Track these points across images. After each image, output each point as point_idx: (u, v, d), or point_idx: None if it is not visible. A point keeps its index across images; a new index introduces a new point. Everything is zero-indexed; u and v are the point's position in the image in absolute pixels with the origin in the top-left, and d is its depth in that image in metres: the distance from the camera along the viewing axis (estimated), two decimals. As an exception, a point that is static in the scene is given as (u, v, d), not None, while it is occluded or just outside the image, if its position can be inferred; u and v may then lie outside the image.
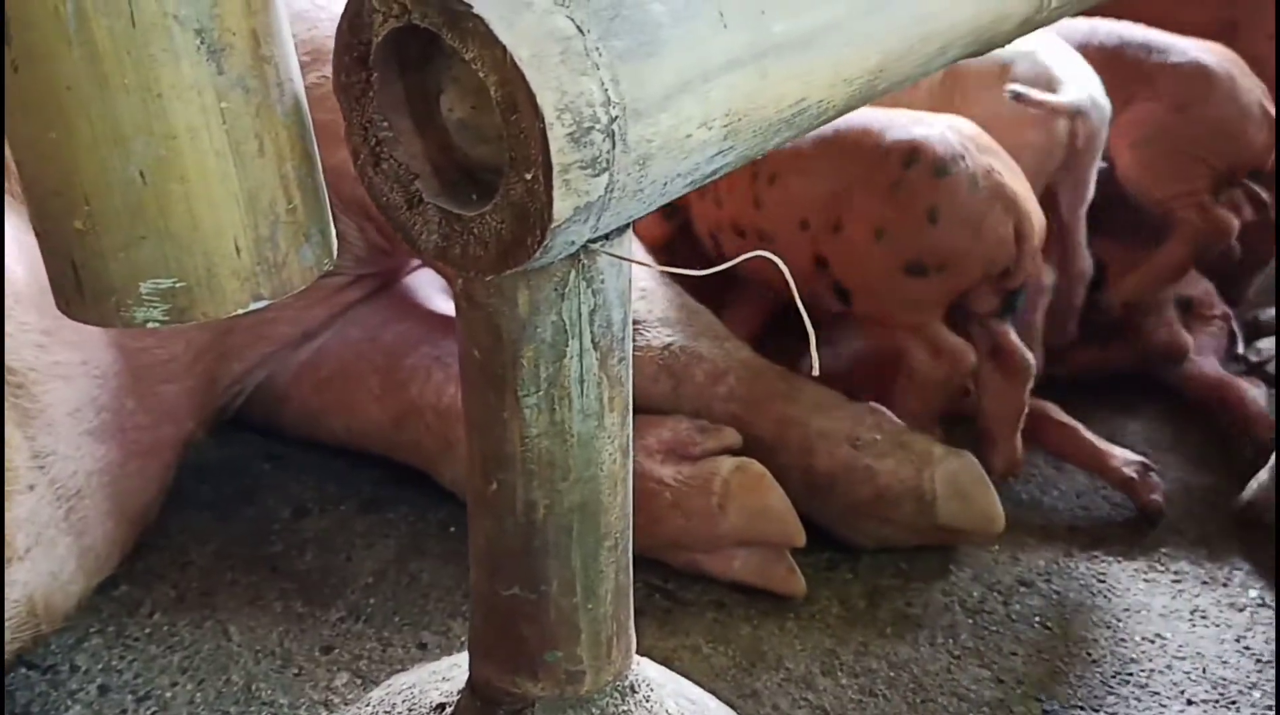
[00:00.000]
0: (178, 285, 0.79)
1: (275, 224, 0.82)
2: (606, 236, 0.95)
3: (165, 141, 0.76)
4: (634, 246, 1.03)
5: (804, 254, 1.71)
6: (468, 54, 0.79)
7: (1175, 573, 1.70)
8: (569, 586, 1.07)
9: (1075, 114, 1.82)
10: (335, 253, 0.90)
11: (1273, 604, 1.64)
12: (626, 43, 0.82)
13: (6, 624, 1.37)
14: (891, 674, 1.52)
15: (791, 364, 1.76)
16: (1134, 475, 1.78)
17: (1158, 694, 1.49)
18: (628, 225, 0.99)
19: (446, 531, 1.77)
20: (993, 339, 1.73)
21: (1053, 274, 1.97)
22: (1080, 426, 1.84)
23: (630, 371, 1.05)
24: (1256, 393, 2.00)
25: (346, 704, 1.46)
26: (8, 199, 1.44)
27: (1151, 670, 1.52)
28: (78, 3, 0.72)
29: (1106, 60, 2.14)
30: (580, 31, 0.80)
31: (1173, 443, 1.99)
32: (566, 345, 0.98)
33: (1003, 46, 1.35)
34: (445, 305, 1.94)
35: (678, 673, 1.39)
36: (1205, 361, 2.07)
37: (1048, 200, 1.87)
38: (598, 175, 0.82)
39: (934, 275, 1.65)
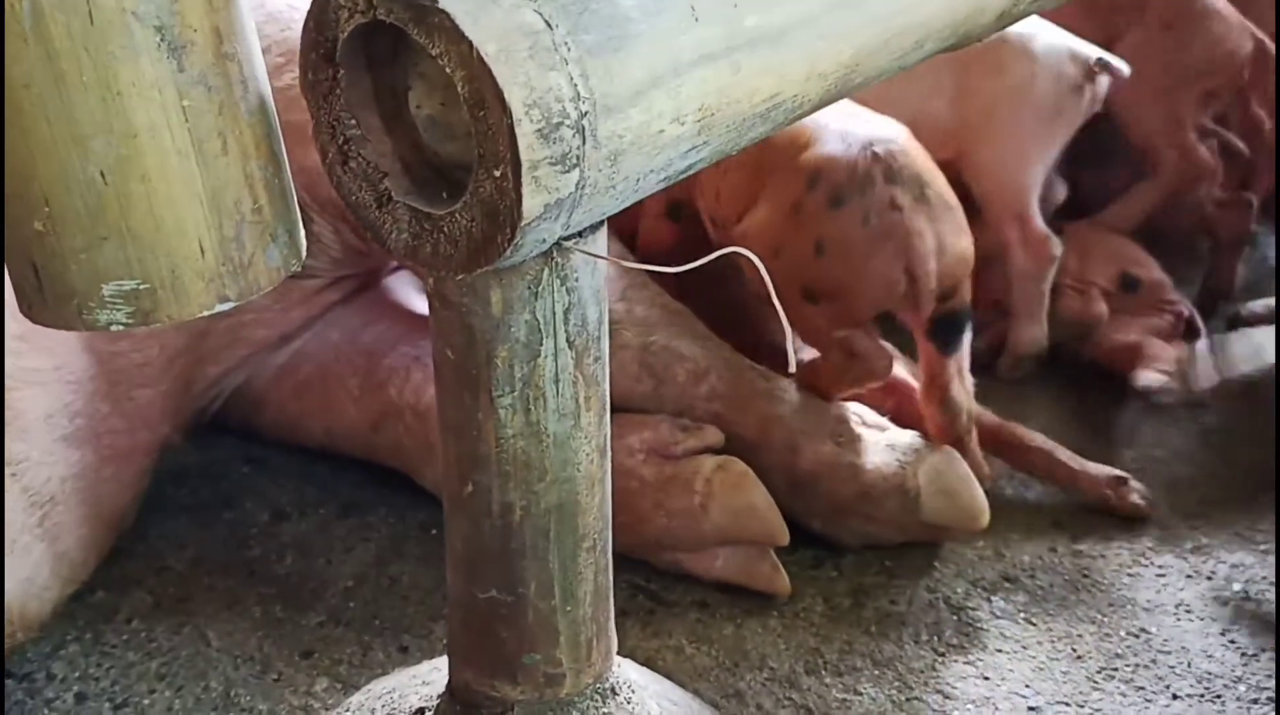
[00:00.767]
0: (141, 287, 0.78)
1: (240, 224, 0.81)
2: (580, 234, 0.94)
3: (125, 140, 0.74)
4: (610, 243, 1.01)
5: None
6: (434, 49, 0.78)
7: (1160, 567, 1.69)
8: (547, 588, 1.06)
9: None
10: (304, 253, 0.89)
11: (1258, 597, 1.63)
12: (596, 37, 0.81)
13: (-20, 633, 1.35)
14: (876, 672, 1.51)
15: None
16: (1109, 491, 1.78)
17: (1143, 689, 1.48)
18: (602, 222, 0.98)
19: (427, 533, 1.75)
20: (930, 368, 1.68)
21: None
22: (1055, 447, 1.82)
23: (607, 370, 1.04)
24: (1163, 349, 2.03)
25: (326, 709, 1.45)
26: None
27: (1137, 665, 1.52)
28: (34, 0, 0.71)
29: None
30: (549, 26, 0.79)
31: (1157, 438, 1.99)
32: (541, 344, 0.96)
33: (980, 40, 1.34)
34: (424, 305, 1.93)
35: (661, 673, 1.39)
36: (1122, 334, 2.09)
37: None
38: (568, 172, 0.81)
39: (825, 304, 1.60)
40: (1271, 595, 1.64)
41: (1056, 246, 2.00)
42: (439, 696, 1.18)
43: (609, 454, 1.08)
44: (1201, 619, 1.59)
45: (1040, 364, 2.10)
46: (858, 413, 1.69)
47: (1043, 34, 1.94)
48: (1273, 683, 1.49)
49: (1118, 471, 1.79)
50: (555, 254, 0.94)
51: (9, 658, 1.48)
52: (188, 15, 0.75)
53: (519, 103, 0.76)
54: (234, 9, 0.81)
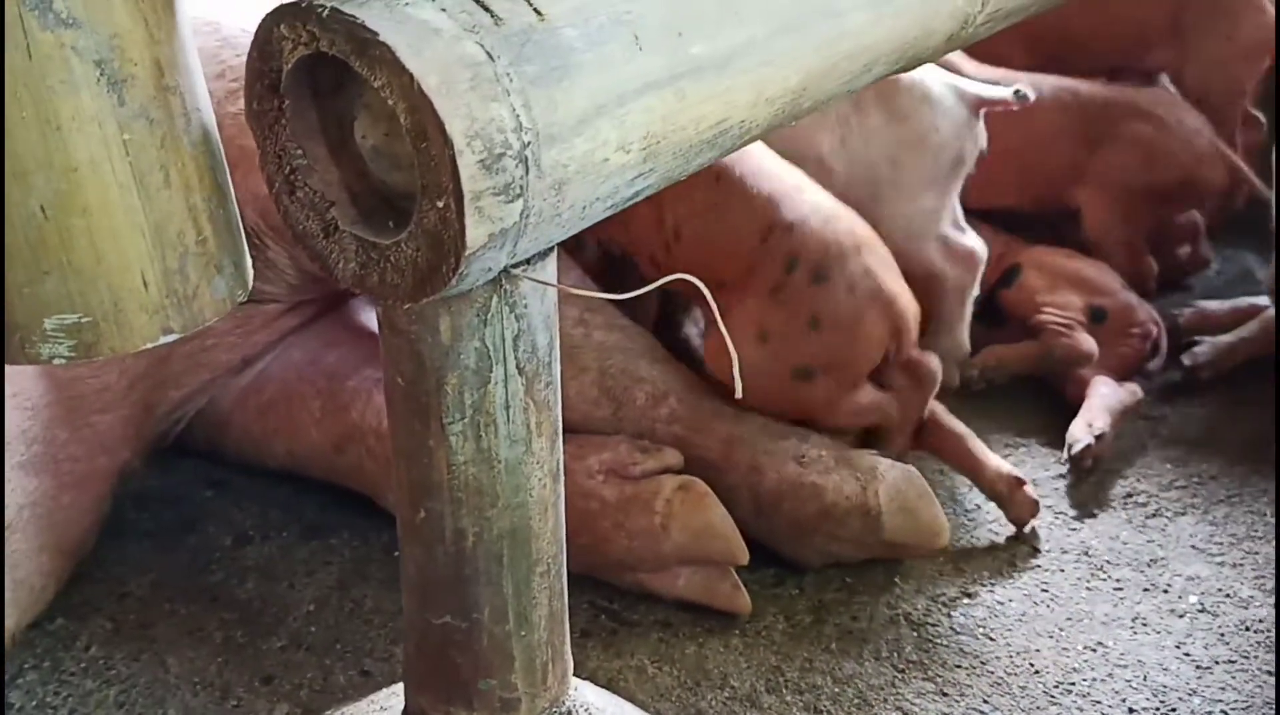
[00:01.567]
0: (83, 321, 0.78)
1: (184, 256, 0.81)
2: (528, 261, 0.94)
3: (66, 175, 0.74)
4: (559, 270, 1.02)
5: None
6: (376, 81, 0.78)
7: (1117, 581, 1.71)
8: (501, 614, 1.06)
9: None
10: (250, 284, 0.89)
11: (1213, 609, 1.65)
12: (538, 68, 0.82)
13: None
14: (836, 689, 1.52)
15: None
16: (1004, 490, 1.79)
17: (1099, 702, 1.50)
18: (551, 249, 0.98)
19: (390, 556, 1.75)
20: (906, 398, 1.77)
21: None
22: (968, 434, 1.83)
23: (558, 396, 1.05)
24: (1108, 391, 2.04)
25: (287, 735, 1.45)
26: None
27: (1093, 679, 1.53)
28: (-28, 35, 0.71)
29: (1077, 110, 2.33)
30: (490, 57, 0.80)
31: (1113, 450, 2.00)
32: (491, 371, 0.97)
33: (931, 61, 1.36)
34: (386, 328, 1.92)
35: (622, 694, 1.39)
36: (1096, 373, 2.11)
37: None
38: (512, 201, 0.81)
39: (822, 377, 1.68)
40: (1227, 607, 1.65)
41: (982, 249, 2.00)
42: (396, 722, 1.18)
43: (561, 479, 1.08)
44: (1158, 632, 1.61)
45: (1005, 378, 2.12)
46: (816, 435, 1.69)
47: (933, 76, 1.93)
48: (1226, 695, 1.50)
49: (1018, 473, 1.80)
50: (504, 281, 0.94)
51: (-35, 687, 1.47)
52: (128, 49, 0.75)
53: (460, 134, 0.77)
54: (176, 42, 0.81)
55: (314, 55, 0.81)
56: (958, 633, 1.61)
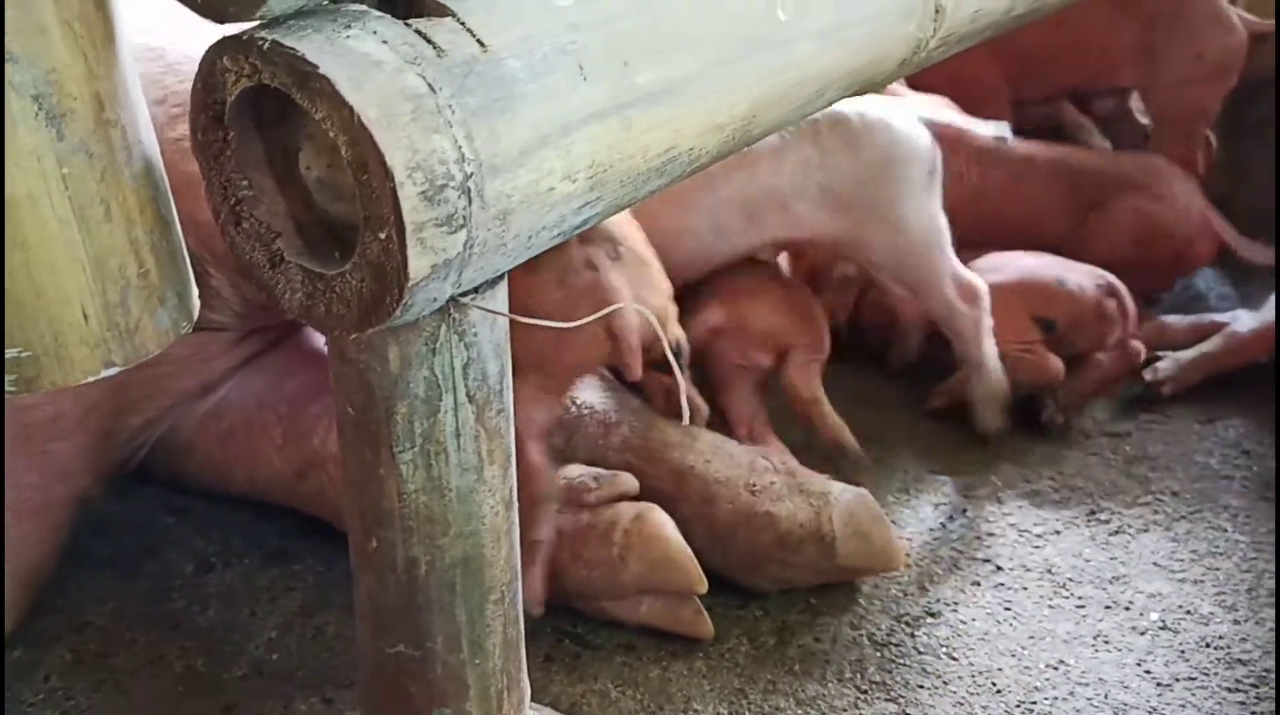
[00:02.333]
0: (23, 355, 0.77)
1: (126, 289, 0.81)
2: (476, 290, 0.94)
3: (3, 210, 0.74)
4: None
5: None
6: (317, 114, 0.78)
7: (1079, 598, 1.71)
8: (455, 642, 1.06)
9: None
10: (195, 315, 0.89)
11: (1174, 626, 1.66)
12: (481, 99, 0.82)
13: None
14: (799, 711, 1.51)
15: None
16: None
17: (1062, 721, 1.51)
18: (501, 277, 0.98)
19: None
20: (667, 389, 1.75)
21: None
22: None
23: (511, 423, 1.05)
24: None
25: (246, 765, 1.43)
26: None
27: (1055, 697, 1.53)
28: (-93, 71, 0.71)
29: (1069, 180, 2.37)
30: (432, 90, 0.80)
31: (1077, 468, 2.02)
32: (440, 400, 0.97)
33: (883, 88, 1.37)
34: (349, 352, 1.91)
35: (582, 720, 1.39)
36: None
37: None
38: (455, 232, 0.81)
39: (530, 374, 1.52)
40: (1188, 624, 1.66)
41: (983, 284, 1.98)
42: (353, 752, 1.17)
43: (515, 506, 1.08)
44: (1119, 650, 1.61)
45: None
46: (766, 458, 1.70)
47: (895, 108, 1.94)
48: (1186, 712, 1.51)
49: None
50: (452, 310, 0.94)
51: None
52: (67, 84, 0.75)
53: (401, 166, 0.77)
54: (117, 75, 0.81)
55: (257, 87, 0.81)
56: (921, 652, 1.61)
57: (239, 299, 1.64)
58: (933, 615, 1.69)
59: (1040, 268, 2.16)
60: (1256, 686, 1.54)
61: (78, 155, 0.76)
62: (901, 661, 1.60)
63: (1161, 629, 1.65)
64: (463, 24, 0.84)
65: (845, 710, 1.52)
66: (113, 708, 1.52)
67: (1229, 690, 1.54)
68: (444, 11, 0.84)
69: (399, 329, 0.92)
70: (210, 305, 1.64)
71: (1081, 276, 2.14)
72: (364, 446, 0.99)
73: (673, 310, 1.66)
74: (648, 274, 1.60)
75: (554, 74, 0.87)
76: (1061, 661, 1.59)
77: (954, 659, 1.60)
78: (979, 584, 1.75)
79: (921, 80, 2.29)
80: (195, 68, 1.57)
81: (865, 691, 1.55)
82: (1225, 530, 1.85)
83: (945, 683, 1.56)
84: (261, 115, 0.86)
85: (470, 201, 0.81)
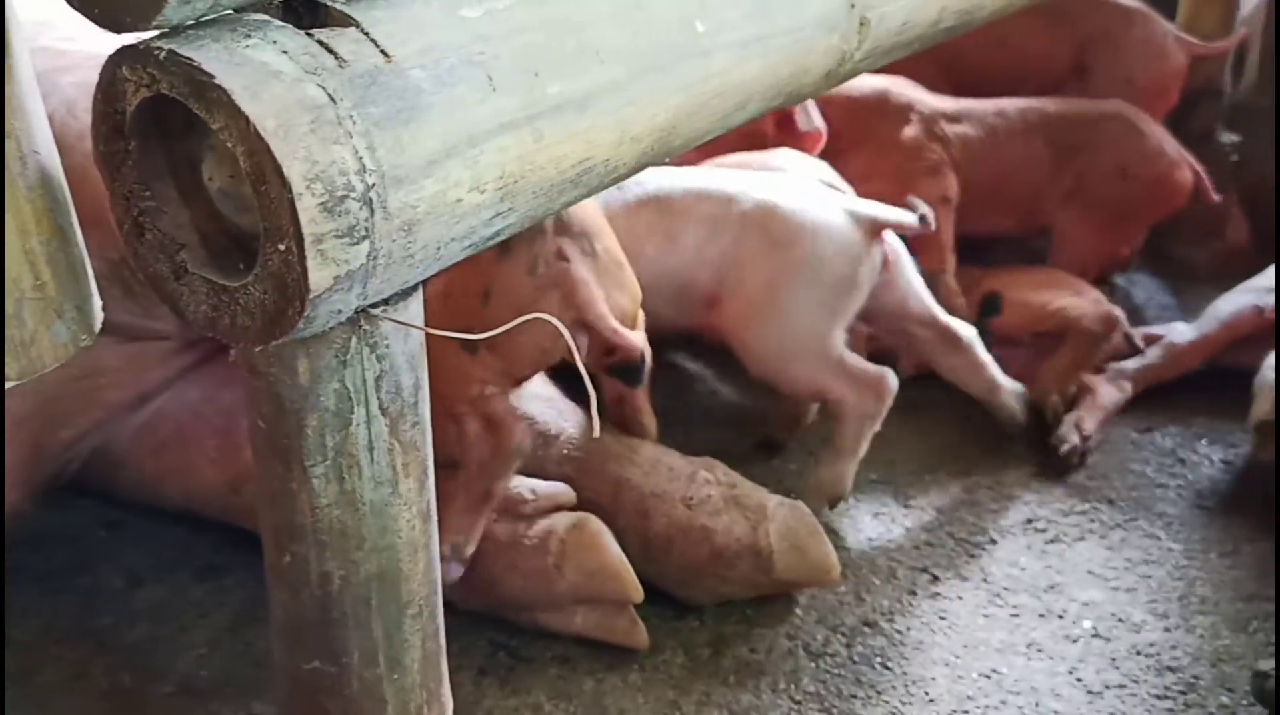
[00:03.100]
0: (-88, 368, 0.76)
1: (21, 302, 0.79)
2: (387, 301, 0.94)
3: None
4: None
5: None
6: (215, 124, 0.77)
7: (1014, 607, 1.72)
8: (371, 657, 1.05)
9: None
10: (97, 328, 0.87)
11: (1106, 634, 1.67)
12: (384, 110, 0.81)
13: None
14: (732, 723, 1.52)
15: None
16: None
17: (993, 730, 1.51)
18: (415, 288, 0.97)
19: (287, 595, 1.72)
20: (618, 392, 1.74)
21: None
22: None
23: (428, 435, 1.04)
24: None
25: (171, 783, 1.41)
26: None
27: (987, 706, 1.54)
28: None
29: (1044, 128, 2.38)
30: (332, 100, 0.79)
31: (1017, 477, 2.03)
32: (352, 412, 0.96)
33: (811, 98, 1.37)
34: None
35: (513, 734, 1.38)
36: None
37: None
38: (357, 244, 0.81)
39: (485, 354, 1.52)
40: (1120, 631, 1.68)
41: (893, 376, 1.84)
42: (272, 769, 1.16)
43: (434, 518, 1.07)
44: (1051, 658, 1.62)
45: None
46: (708, 471, 1.69)
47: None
48: (1115, 720, 1.52)
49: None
50: (363, 322, 0.93)
51: None
52: (-45, 93, 0.74)
53: (299, 177, 0.76)
54: (15, 85, 0.79)
55: (156, 97, 0.80)
56: (855, 662, 1.62)
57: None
58: (869, 625, 1.69)
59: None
60: (1185, 694, 1.56)
61: (-33, 166, 0.75)
62: (836, 672, 1.60)
63: (1094, 637, 1.66)
64: (366, 34, 0.83)
65: (778, 721, 1.52)
66: (36, 726, 1.50)
67: (1158, 697, 1.55)
68: (348, 22, 0.83)
69: (308, 341, 0.91)
70: (153, 315, 1.62)
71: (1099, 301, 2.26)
72: (275, 460, 0.98)
73: (641, 317, 1.65)
74: (621, 276, 1.59)
75: (461, 85, 0.87)
76: (994, 670, 1.60)
77: (888, 669, 1.61)
78: (915, 593, 1.76)
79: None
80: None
81: (799, 702, 1.55)
82: (1159, 538, 1.87)
83: (879, 692, 1.56)
84: (167, 125, 0.85)
85: (373, 213, 0.81)
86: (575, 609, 1.60)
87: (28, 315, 0.80)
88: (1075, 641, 1.65)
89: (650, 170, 1.35)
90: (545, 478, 1.65)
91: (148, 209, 0.87)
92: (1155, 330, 2.30)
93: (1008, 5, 1.61)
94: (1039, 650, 1.64)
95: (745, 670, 1.60)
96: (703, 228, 1.78)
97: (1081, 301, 2.24)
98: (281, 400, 0.95)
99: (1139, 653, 1.63)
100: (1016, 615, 1.71)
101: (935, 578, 1.79)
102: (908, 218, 1.80)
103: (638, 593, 1.56)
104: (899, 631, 1.68)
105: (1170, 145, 2.43)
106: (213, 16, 0.81)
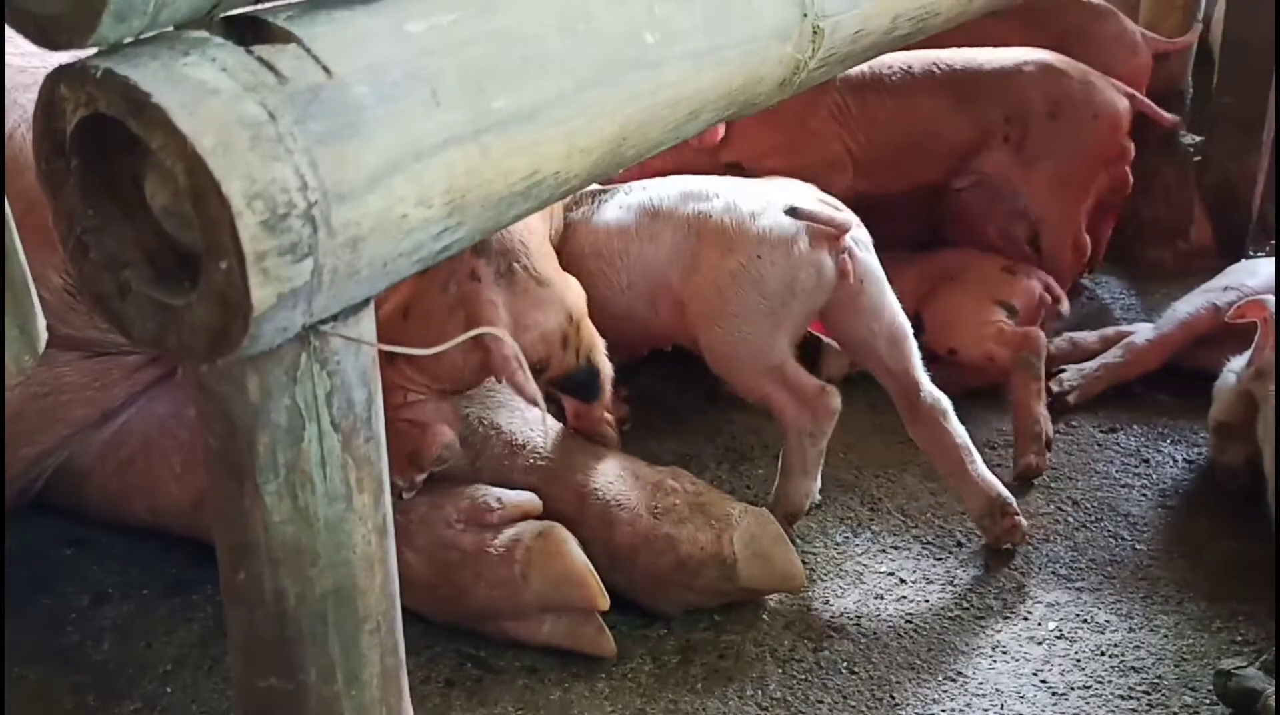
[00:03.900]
0: None
1: (-39, 323, 0.79)
2: (336, 317, 0.93)
3: None
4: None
5: None
6: (154, 143, 0.77)
7: (979, 609, 1.73)
8: (328, 674, 1.04)
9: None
10: (40, 348, 0.87)
11: (1071, 635, 1.68)
12: (325, 126, 0.81)
13: None
14: (699, 731, 1.52)
15: None
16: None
17: (959, 733, 1.52)
18: (364, 304, 0.97)
19: (253, 610, 1.71)
20: (576, 408, 1.77)
21: None
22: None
23: (383, 450, 1.04)
24: None
25: (136, 802, 1.40)
26: None
27: (952, 709, 1.55)
28: None
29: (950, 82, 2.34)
30: (272, 117, 0.79)
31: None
32: (304, 429, 0.95)
33: (765, 108, 1.37)
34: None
35: (479, 746, 1.37)
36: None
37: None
38: (300, 261, 0.80)
39: (402, 365, 1.56)
40: (1084, 632, 1.68)
41: (835, 397, 1.78)
42: (233, 787, 1.15)
43: (390, 533, 1.07)
44: (1016, 660, 1.63)
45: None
46: (674, 480, 1.70)
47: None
48: (1080, 720, 1.53)
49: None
50: (313, 338, 0.93)
51: None
52: (-111, 115, 0.73)
53: (239, 195, 0.76)
54: (-49, 105, 0.79)
55: (94, 115, 0.80)
56: (822, 668, 1.62)
57: None
58: (835, 630, 1.69)
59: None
60: (1149, 694, 1.57)
61: (-97, 188, 0.75)
62: (803, 677, 1.60)
63: (1058, 638, 1.67)
64: (308, 50, 0.83)
65: (745, 728, 1.52)
66: (-1, 747, 1.49)
67: (1122, 698, 1.56)
68: (289, 38, 0.83)
69: (257, 358, 0.91)
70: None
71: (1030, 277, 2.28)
72: (227, 478, 0.97)
73: (586, 333, 1.65)
74: (543, 294, 1.58)
75: (405, 99, 0.87)
76: (959, 673, 1.61)
77: (854, 673, 1.61)
78: (882, 597, 1.76)
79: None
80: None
81: (766, 709, 1.55)
82: (1123, 538, 1.88)
83: (845, 697, 1.57)
84: (109, 143, 0.85)
85: (316, 229, 0.81)
86: (542, 618, 1.60)
87: (-32, 337, 0.80)
88: (1040, 643, 1.66)
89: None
90: (512, 487, 1.65)
91: (91, 227, 0.86)
92: (1125, 329, 2.33)
93: (962, 12, 1.62)
94: (1004, 652, 1.65)
95: (713, 677, 1.60)
96: (679, 232, 1.82)
97: (990, 344, 2.15)
98: (232, 418, 0.94)
99: (1103, 653, 1.64)
100: (981, 618, 1.72)
101: (902, 581, 1.80)
102: (838, 217, 1.77)
103: (604, 600, 1.56)
104: (865, 636, 1.68)
105: (1098, 78, 2.40)
106: (151, 34, 0.81)
